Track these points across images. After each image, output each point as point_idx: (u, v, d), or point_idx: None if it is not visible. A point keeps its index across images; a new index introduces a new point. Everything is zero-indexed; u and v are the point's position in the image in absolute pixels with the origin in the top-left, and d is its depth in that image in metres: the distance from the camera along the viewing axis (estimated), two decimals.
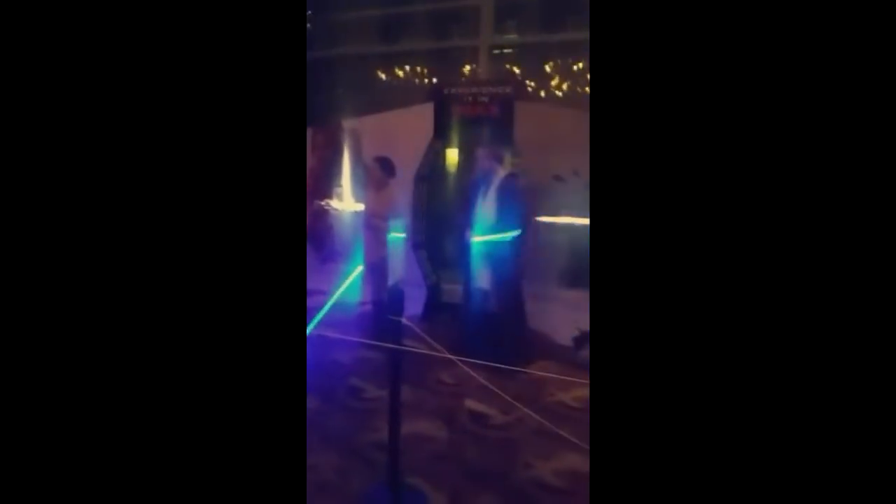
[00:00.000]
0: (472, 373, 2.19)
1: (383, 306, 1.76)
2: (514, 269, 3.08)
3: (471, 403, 2.67)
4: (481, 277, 3.12)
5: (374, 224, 3.23)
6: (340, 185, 4.67)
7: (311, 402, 2.65)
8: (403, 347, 1.75)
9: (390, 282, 1.71)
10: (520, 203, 3.12)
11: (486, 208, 3.12)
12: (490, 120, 3.95)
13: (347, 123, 4.57)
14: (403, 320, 1.73)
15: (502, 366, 2.42)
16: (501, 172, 3.15)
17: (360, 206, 4.18)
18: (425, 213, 4.39)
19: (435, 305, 4.13)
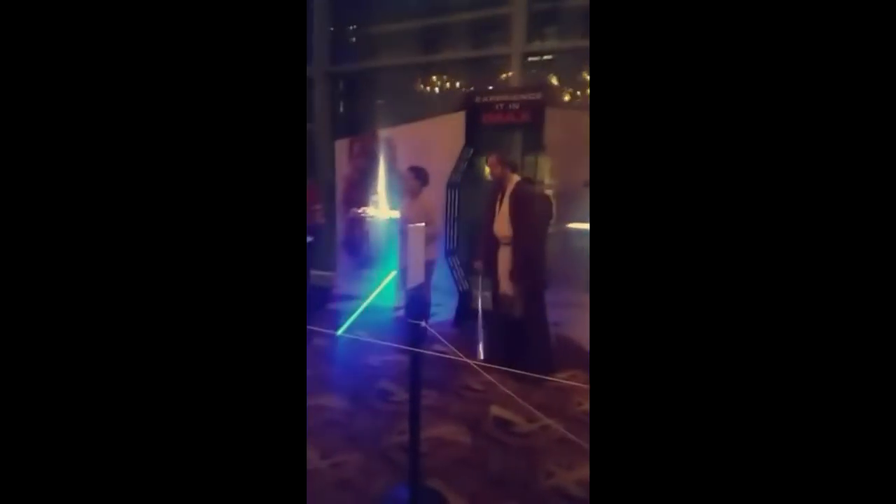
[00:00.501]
0: (492, 380, 2.21)
1: (411, 311, 1.81)
2: (537, 275, 3.05)
3: (496, 410, 2.68)
4: (504, 284, 3.11)
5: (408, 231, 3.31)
6: (376, 193, 4.80)
7: (340, 403, 2.73)
8: (428, 352, 1.78)
9: (410, 286, 1.75)
10: (532, 210, 3.04)
11: (500, 217, 3.08)
12: (521, 127, 3.95)
13: (382, 133, 4.70)
14: (423, 324, 1.77)
15: (529, 374, 2.41)
16: (514, 178, 3.09)
17: (395, 214, 4.28)
18: (457, 219, 4.45)
19: (466, 312, 4.15)
